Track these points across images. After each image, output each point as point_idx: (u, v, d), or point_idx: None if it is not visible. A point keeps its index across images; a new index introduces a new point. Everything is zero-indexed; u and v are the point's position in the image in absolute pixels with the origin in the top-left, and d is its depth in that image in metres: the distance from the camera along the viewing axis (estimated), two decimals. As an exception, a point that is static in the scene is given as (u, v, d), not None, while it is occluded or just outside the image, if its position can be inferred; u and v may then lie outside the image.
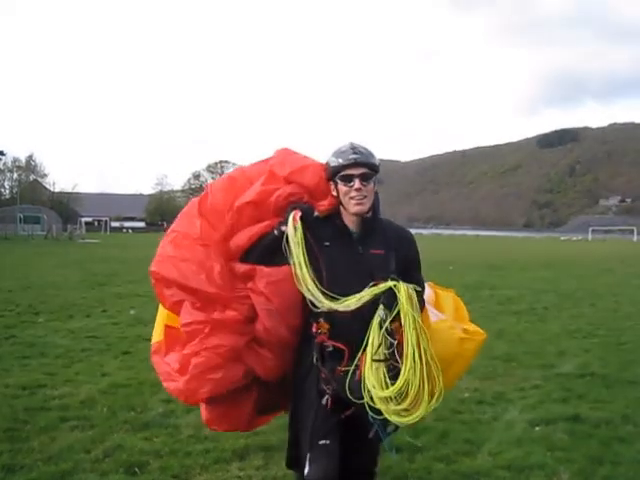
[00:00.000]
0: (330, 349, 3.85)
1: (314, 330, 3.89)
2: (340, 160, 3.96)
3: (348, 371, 3.71)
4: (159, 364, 4.35)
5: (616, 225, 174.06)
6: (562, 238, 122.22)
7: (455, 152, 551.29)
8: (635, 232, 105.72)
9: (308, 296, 3.85)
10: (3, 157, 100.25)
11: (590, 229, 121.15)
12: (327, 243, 3.97)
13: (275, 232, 4.01)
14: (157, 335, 4.57)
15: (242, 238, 4.09)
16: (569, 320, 14.98)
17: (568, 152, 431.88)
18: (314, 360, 3.89)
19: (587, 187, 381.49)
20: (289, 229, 3.92)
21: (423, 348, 3.61)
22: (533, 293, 20.55)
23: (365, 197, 3.94)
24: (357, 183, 3.90)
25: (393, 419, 3.62)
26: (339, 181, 3.96)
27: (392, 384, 3.58)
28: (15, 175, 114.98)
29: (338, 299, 3.77)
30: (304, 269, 3.87)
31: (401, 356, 3.63)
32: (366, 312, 3.72)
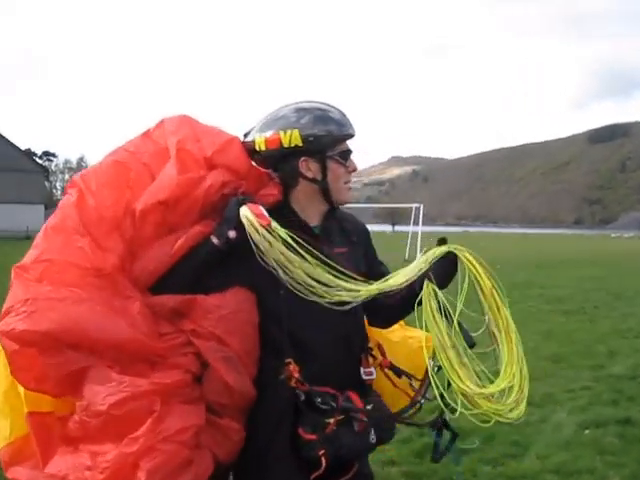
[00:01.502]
0: (318, 399, 2.69)
1: (290, 375, 2.66)
2: (342, 131, 2.87)
3: (342, 423, 2.67)
4: None
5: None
6: (613, 235, 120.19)
7: (503, 149, 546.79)
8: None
9: (330, 295, 2.61)
10: (55, 159, 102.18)
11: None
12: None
13: (214, 241, 2.71)
14: (5, 433, 2.71)
15: (154, 258, 2.71)
16: (620, 320, 14.71)
17: (619, 147, 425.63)
18: (289, 417, 2.72)
19: (638, 183, 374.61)
20: (255, 231, 2.64)
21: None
22: (583, 292, 20.25)
23: None
24: (354, 163, 2.96)
25: (507, 416, 2.76)
26: (335, 158, 2.87)
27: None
28: (67, 176, 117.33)
29: (370, 283, 2.66)
30: (303, 265, 2.63)
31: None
32: (336, 323, 2.77)
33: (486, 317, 2.81)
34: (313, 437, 2.63)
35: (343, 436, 2.64)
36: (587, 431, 6.91)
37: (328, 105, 2.91)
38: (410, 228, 40.05)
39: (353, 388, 2.76)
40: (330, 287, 2.61)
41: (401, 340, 3.13)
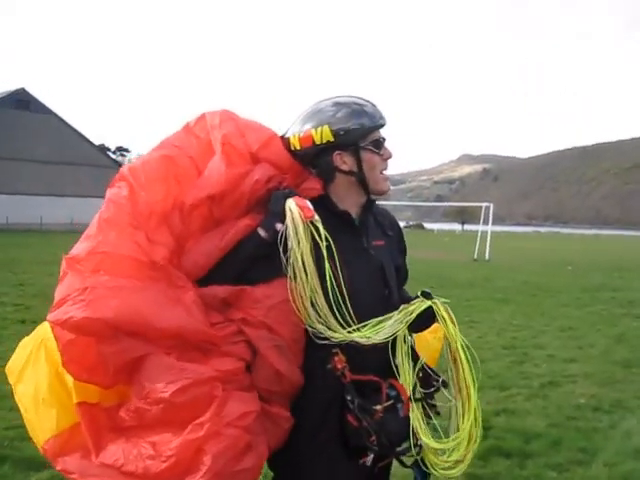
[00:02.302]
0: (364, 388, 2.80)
1: (336, 365, 2.76)
2: (374, 122, 2.89)
3: (388, 409, 2.76)
4: (85, 470, 2.55)
5: None
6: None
7: (575, 148, 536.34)
8: None
9: (314, 324, 2.71)
10: (128, 154, 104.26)
11: None
12: (332, 241, 2.77)
13: (262, 234, 2.77)
14: (51, 424, 2.70)
15: (203, 251, 2.78)
16: (697, 326, 14.20)
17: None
18: (337, 406, 2.79)
19: None
20: (294, 226, 2.73)
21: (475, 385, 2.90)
22: (659, 296, 19.63)
23: None
24: (389, 150, 2.95)
25: (441, 473, 2.87)
26: (369, 148, 2.89)
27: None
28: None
29: (350, 325, 2.74)
30: (314, 283, 2.72)
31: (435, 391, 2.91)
32: (379, 313, 2.86)
33: (449, 371, 2.91)
34: (363, 424, 2.68)
35: (390, 422, 2.72)
36: (658, 440, 6.71)
37: (360, 98, 2.94)
38: (480, 227, 39.61)
39: (392, 375, 2.84)
40: (318, 315, 2.71)
41: (421, 336, 3.14)
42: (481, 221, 40.87)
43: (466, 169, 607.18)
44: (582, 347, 11.50)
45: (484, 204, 42.04)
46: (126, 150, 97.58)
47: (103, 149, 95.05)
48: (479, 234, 36.97)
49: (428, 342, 3.18)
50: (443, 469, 2.85)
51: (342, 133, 2.85)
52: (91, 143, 75.71)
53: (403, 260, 3.29)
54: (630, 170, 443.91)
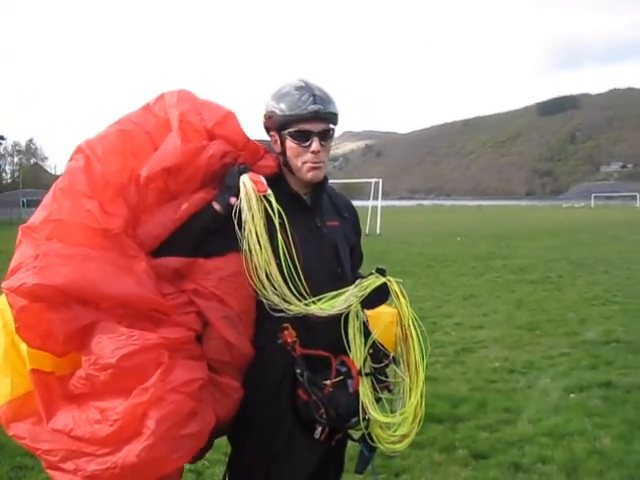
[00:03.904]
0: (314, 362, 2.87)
1: (286, 340, 2.83)
2: (292, 110, 2.86)
3: (337, 384, 2.82)
4: (36, 436, 2.61)
5: (618, 191, 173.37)
6: (564, 205, 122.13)
7: (455, 122, 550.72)
8: (638, 198, 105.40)
9: (270, 296, 2.80)
10: (3, 142, 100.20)
11: (592, 195, 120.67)
12: (285, 216, 2.86)
13: (216, 207, 2.86)
14: (5, 390, 2.74)
15: (158, 223, 2.83)
16: (585, 288, 15.04)
17: (568, 119, 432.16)
18: (289, 379, 2.87)
19: (588, 154, 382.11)
20: (248, 200, 2.81)
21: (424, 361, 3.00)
22: (545, 262, 20.56)
23: (322, 161, 2.97)
24: (316, 144, 2.88)
25: (387, 447, 2.99)
26: (289, 137, 2.91)
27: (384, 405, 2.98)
28: (16, 159, 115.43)
29: (309, 297, 2.83)
30: (268, 254, 2.80)
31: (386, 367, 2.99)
32: (328, 288, 2.92)
33: (398, 348, 3.04)
34: (312, 398, 2.79)
35: (339, 397, 2.81)
36: (572, 395, 7.14)
37: (304, 82, 2.95)
38: (370, 203, 40.20)
39: (344, 351, 2.91)
40: (273, 287, 2.80)
41: (374, 314, 3.19)
42: (371, 196, 41.42)
43: (349, 146, 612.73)
44: (487, 314, 11.99)
45: (373, 180, 42.68)
46: (1, 138, 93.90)
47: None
48: (369, 209, 37.49)
49: (384, 325, 3.16)
50: (389, 443, 2.97)
51: (267, 117, 2.99)
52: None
53: (358, 241, 3.36)
54: (506, 142, 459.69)
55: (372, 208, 37.76)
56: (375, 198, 40.39)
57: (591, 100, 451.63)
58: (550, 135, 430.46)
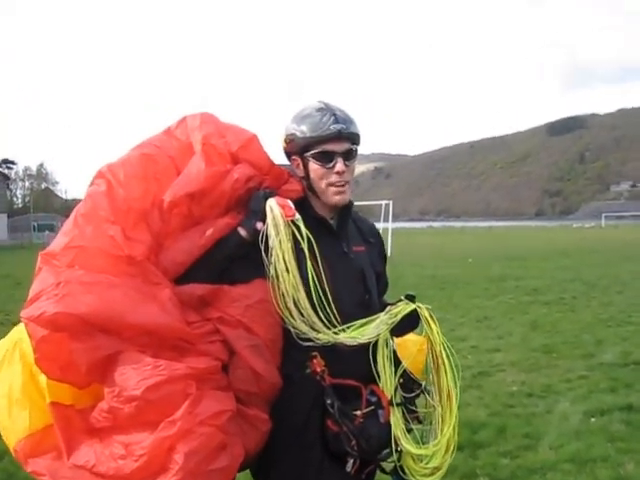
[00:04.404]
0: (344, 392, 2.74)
1: (314, 369, 2.71)
2: (314, 131, 2.80)
3: (368, 415, 2.72)
4: (56, 472, 2.49)
5: (628, 211, 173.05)
6: (574, 225, 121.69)
7: (463, 144, 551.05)
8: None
9: (297, 324, 2.68)
10: (14, 166, 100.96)
11: (603, 215, 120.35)
12: (313, 241, 2.75)
13: (242, 233, 2.76)
14: (24, 425, 2.64)
15: (182, 249, 2.72)
16: (600, 309, 14.92)
17: (577, 139, 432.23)
18: (318, 410, 2.74)
19: (597, 173, 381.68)
20: (275, 225, 2.71)
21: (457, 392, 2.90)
22: (558, 283, 20.48)
23: (347, 182, 2.88)
24: (340, 164, 2.81)
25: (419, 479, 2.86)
26: (312, 159, 2.83)
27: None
28: (27, 184, 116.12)
29: (335, 326, 2.70)
30: (296, 281, 2.69)
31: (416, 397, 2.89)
32: (358, 318, 2.81)
33: (429, 376, 2.92)
34: (343, 429, 2.66)
35: (371, 428, 2.69)
36: (593, 419, 7.01)
37: (324, 104, 2.88)
38: (380, 225, 40.17)
39: (373, 381, 2.80)
40: (301, 315, 2.68)
41: (402, 342, 3.06)
42: (381, 218, 41.39)
43: (359, 168, 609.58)
44: (502, 336, 11.86)
45: (383, 202, 42.66)
46: (12, 162, 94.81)
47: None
48: (380, 232, 37.45)
49: (411, 353, 3.04)
50: (421, 475, 2.84)
51: (288, 141, 2.90)
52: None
53: (383, 268, 3.26)
54: (515, 163, 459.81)
55: (382, 230, 37.63)
56: (385, 220, 40.40)
57: (599, 120, 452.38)
58: (559, 155, 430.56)
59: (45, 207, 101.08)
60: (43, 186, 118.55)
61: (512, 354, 10.31)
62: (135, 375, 2.40)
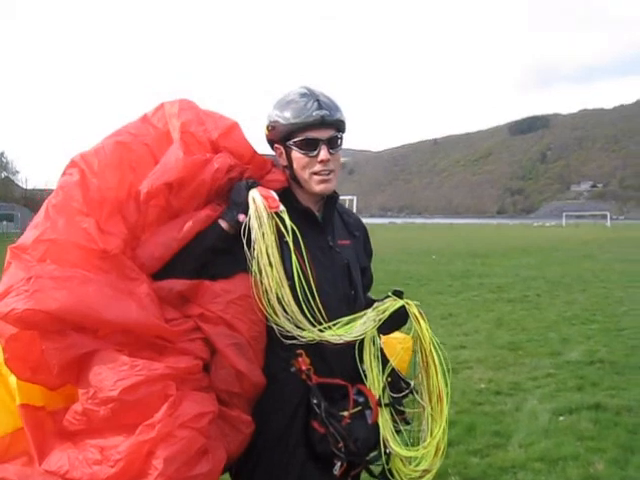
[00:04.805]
0: (331, 392, 2.65)
1: (300, 367, 2.61)
2: (296, 117, 2.67)
3: (355, 415, 2.61)
4: (26, 478, 2.35)
5: (588, 210, 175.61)
6: (535, 224, 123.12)
7: (426, 141, 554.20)
8: (608, 217, 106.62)
9: (281, 321, 2.55)
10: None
11: (564, 214, 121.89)
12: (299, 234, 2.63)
13: (223, 225, 2.64)
14: None
15: (160, 243, 2.58)
16: (564, 307, 15.01)
17: (539, 139, 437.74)
18: (302, 410, 2.64)
19: (558, 173, 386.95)
20: (258, 217, 2.58)
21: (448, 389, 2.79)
22: (522, 280, 20.63)
23: (332, 171, 2.74)
24: (324, 152, 2.67)
25: None
26: (295, 147, 2.70)
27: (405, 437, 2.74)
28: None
29: (326, 322, 2.60)
30: (280, 276, 2.56)
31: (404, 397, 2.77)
32: (343, 313, 2.71)
33: (418, 375, 2.80)
34: (330, 430, 2.55)
35: (358, 429, 2.58)
36: (562, 418, 7.02)
37: (307, 89, 2.75)
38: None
39: (360, 380, 2.70)
40: (285, 312, 2.55)
41: (386, 340, 2.94)
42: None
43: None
44: (467, 333, 11.86)
45: (347, 197, 42.81)
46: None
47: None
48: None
49: (396, 352, 2.91)
50: (411, 478, 2.73)
51: (270, 128, 2.77)
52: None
53: (369, 262, 3.14)
54: (478, 161, 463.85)
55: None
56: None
57: (562, 120, 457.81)
58: (521, 154, 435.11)
59: (5, 197, 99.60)
60: (3, 175, 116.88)
61: (478, 351, 10.30)
62: (111, 375, 2.26)
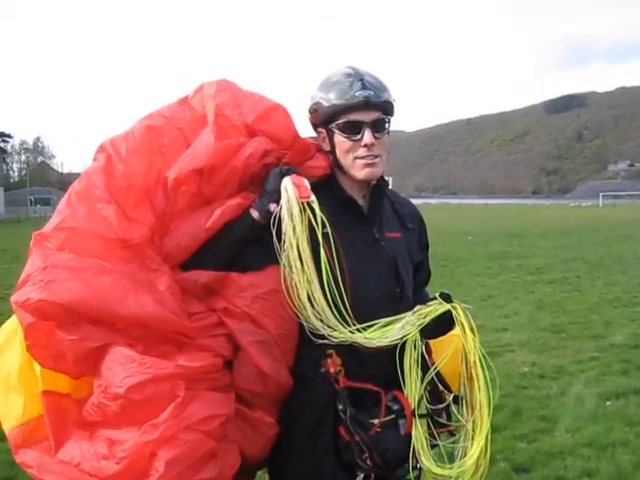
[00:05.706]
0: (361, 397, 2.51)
1: (329, 369, 2.47)
2: (339, 98, 2.51)
3: (387, 424, 2.47)
4: (44, 466, 2.33)
5: (625, 190, 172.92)
6: (571, 204, 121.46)
7: (460, 120, 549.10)
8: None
9: (311, 319, 2.41)
10: (10, 140, 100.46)
11: (600, 194, 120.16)
12: (333, 228, 2.46)
13: (254, 215, 2.49)
14: (17, 412, 2.46)
15: (187, 232, 2.46)
16: (605, 289, 14.80)
17: (575, 117, 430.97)
18: (331, 414, 2.49)
19: (595, 152, 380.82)
20: (289, 207, 2.42)
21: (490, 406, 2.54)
22: (561, 262, 20.33)
23: (378, 156, 2.56)
24: (368, 135, 2.50)
25: None
26: (337, 131, 2.54)
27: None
28: (23, 157, 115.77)
29: (354, 324, 2.43)
30: (310, 272, 2.41)
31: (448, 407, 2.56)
32: (385, 313, 2.54)
33: (463, 388, 2.57)
34: (355, 439, 2.42)
35: (388, 439, 2.45)
36: (609, 402, 6.91)
37: (352, 69, 2.58)
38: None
39: (395, 385, 2.54)
40: (315, 309, 2.40)
41: (446, 337, 2.63)
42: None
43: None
44: (508, 316, 11.74)
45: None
46: (8, 136, 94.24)
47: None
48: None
49: (446, 356, 2.57)
50: None
51: (312, 110, 2.63)
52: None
53: (425, 257, 2.96)
54: (513, 141, 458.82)
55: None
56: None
57: (598, 98, 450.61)
58: (557, 133, 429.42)
59: (41, 181, 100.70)
60: (39, 160, 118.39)
61: (520, 334, 10.18)
62: (120, 371, 2.22)
